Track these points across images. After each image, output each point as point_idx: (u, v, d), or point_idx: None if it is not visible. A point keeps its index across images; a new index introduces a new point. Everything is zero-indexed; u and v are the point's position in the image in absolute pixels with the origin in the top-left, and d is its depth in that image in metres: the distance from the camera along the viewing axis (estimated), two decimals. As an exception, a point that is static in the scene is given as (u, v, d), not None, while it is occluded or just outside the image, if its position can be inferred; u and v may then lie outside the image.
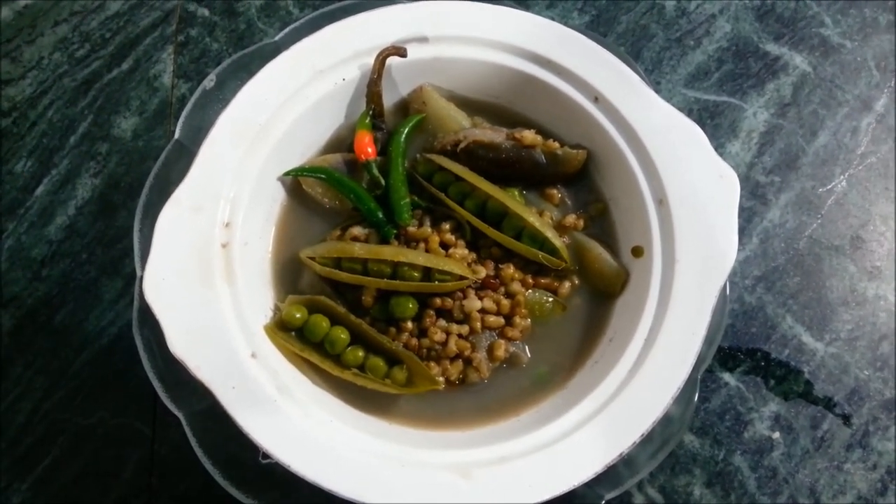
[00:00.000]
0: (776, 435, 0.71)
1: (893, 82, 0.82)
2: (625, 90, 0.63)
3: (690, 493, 0.69)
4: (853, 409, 0.71)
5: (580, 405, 0.57)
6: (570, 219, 0.65)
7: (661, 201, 0.61)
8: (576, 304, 0.64)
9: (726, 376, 0.72)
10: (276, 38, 0.69)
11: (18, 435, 0.70)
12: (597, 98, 0.64)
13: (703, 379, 0.62)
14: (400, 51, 0.64)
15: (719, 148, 0.61)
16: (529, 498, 0.54)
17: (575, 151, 0.65)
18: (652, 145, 0.62)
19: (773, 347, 0.73)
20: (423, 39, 0.65)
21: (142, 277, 0.57)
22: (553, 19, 0.66)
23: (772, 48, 0.84)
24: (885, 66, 0.83)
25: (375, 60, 0.64)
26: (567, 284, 0.64)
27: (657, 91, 0.64)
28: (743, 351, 0.73)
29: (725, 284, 0.60)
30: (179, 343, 0.55)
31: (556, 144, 0.66)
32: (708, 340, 0.58)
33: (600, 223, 0.67)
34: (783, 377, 0.72)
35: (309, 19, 0.69)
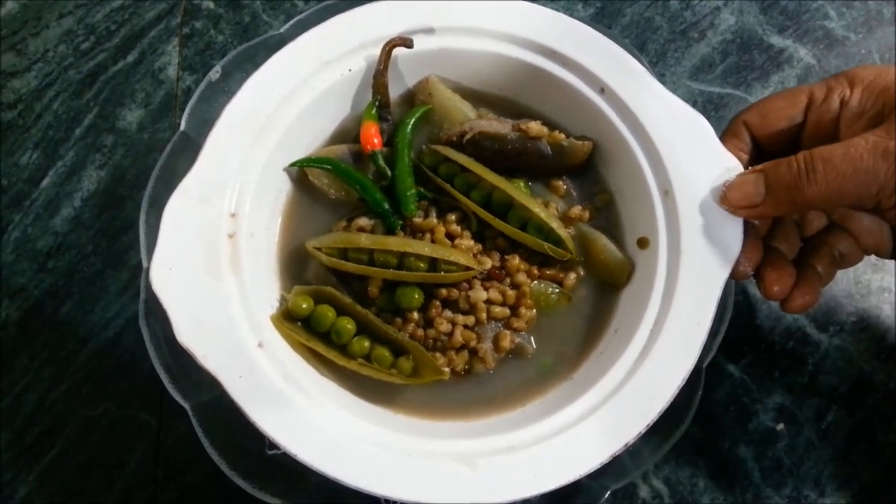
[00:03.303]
0: (780, 426, 0.71)
1: (898, 74, 0.82)
2: (631, 82, 0.63)
3: (695, 485, 0.69)
4: (857, 400, 0.71)
5: (585, 396, 0.57)
6: (576, 210, 0.65)
7: (667, 193, 0.61)
8: (581, 295, 0.64)
9: (731, 367, 0.72)
10: (282, 30, 0.69)
11: (25, 426, 0.70)
12: (603, 89, 0.64)
13: (707, 370, 0.62)
14: (406, 42, 0.64)
15: (724, 140, 0.62)
16: (534, 488, 0.54)
17: (580, 143, 0.65)
18: (658, 137, 0.62)
19: (777, 339, 0.73)
20: (429, 30, 0.65)
21: (148, 269, 0.57)
22: (557, 11, 0.66)
23: (776, 41, 0.84)
24: (889, 59, 0.83)
25: (382, 51, 0.64)
26: (572, 275, 0.64)
27: (662, 83, 0.64)
28: (747, 342, 0.73)
29: (730, 276, 0.60)
30: (186, 333, 0.55)
31: (562, 136, 0.66)
32: (712, 332, 0.58)
33: (606, 214, 0.67)
34: (788, 369, 0.72)
35: (314, 11, 0.69)
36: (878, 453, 0.70)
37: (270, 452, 0.58)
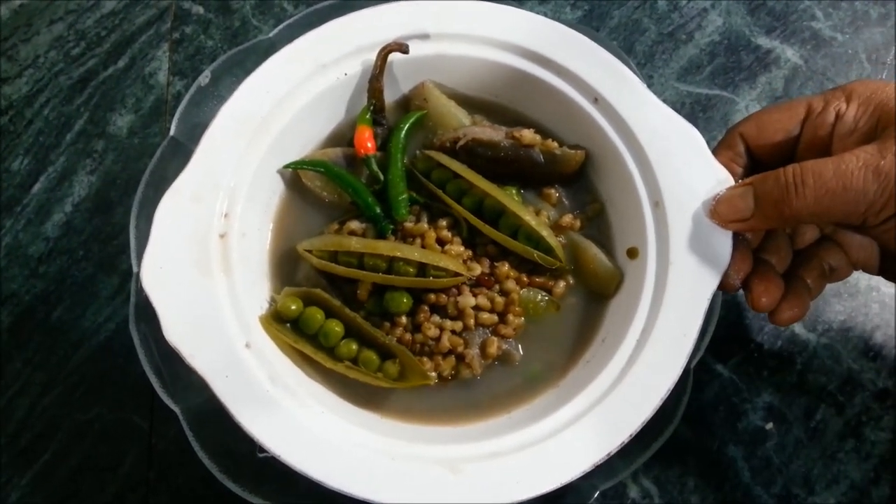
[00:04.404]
0: (769, 425, 0.71)
1: (884, 75, 0.83)
2: (624, 92, 0.63)
3: (685, 484, 0.70)
4: (846, 399, 0.72)
5: (570, 404, 0.58)
6: (567, 219, 0.66)
7: (658, 204, 0.61)
8: (570, 303, 0.65)
9: (719, 367, 0.73)
10: (271, 34, 0.69)
11: (17, 430, 0.70)
12: (596, 99, 0.64)
13: (696, 370, 0.62)
14: (402, 47, 0.64)
15: (712, 141, 0.62)
16: (517, 494, 0.54)
17: (573, 152, 0.66)
18: (650, 148, 0.62)
19: (765, 339, 0.74)
20: (424, 36, 0.66)
21: (138, 273, 0.57)
22: (546, 14, 0.66)
23: (763, 41, 0.84)
24: (876, 59, 0.83)
25: (378, 56, 0.64)
26: (562, 284, 0.64)
27: (650, 85, 0.64)
28: (736, 342, 0.73)
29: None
30: (175, 331, 0.55)
31: (555, 144, 0.66)
32: (700, 332, 0.58)
33: (597, 224, 0.67)
34: (776, 368, 0.73)
35: (303, 15, 0.69)
36: (867, 451, 0.70)
37: (261, 455, 0.59)
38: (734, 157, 0.61)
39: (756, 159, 0.61)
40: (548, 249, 0.62)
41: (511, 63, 0.66)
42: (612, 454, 0.55)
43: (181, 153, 0.65)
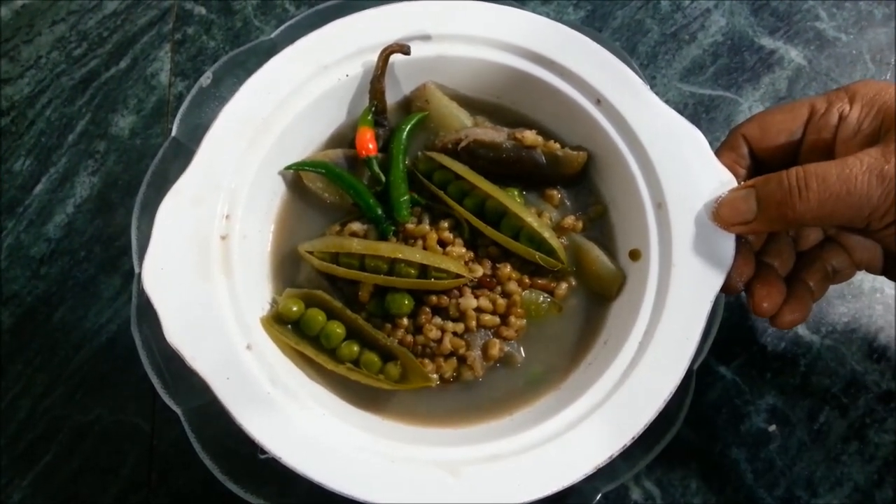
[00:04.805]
0: (773, 427, 0.71)
1: (889, 75, 0.82)
2: (627, 93, 0.63)
3: (687, 486, 0.69)
4: (850, 401, 0.72)
5: (572, 406, 0.58)
6: (569, 220, 0.65)
7: (660, 205, 0.61)
8: (572, 305, 0.64)
9: (723, 369, 0.72)
10: (273, 35, 0.69)
11: (18, 432, 0.70)
12: (599, 100, 0.64)
13: (699, 372, 0.62)
14: (403, 48, 0.64)
15: (715, 142, 0.61)
16: (518, 497, 0.54)
17: (575, 153, 0.65)
18: (653, 149, 0.62)
19: (769, 340, 0.73)
20: (426, 37, 0.65)
21: (139, 274, 0.57)
22: (548, 15, 0.66)
23: (767, 42, 0.84)
24: (880, 59, 0.83)
25: (379, 57, 0.64)
26: (564, 286, 0.64)
27: (653, 86, 0.64)
28: (739, 344, 0.73)
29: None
30: (176, 333, 0.55)
31: (557, 145, 0.65)
32: (703, 333, 0.58)
33: (599, 225, 0.67)
34: (780, 370, 0.72)
35: (305, 16, 0.69)
36: (871, 454, 0.70)
37: (262, 457, 0.58)
38: (737, 158, 0.61)
39: (759, 161, 0.61)
40: (550, 251, 0.62)
41: (513, 64, 0.66)
42: (614, 456, 0.55)
43: (183, 154, 0.65)
